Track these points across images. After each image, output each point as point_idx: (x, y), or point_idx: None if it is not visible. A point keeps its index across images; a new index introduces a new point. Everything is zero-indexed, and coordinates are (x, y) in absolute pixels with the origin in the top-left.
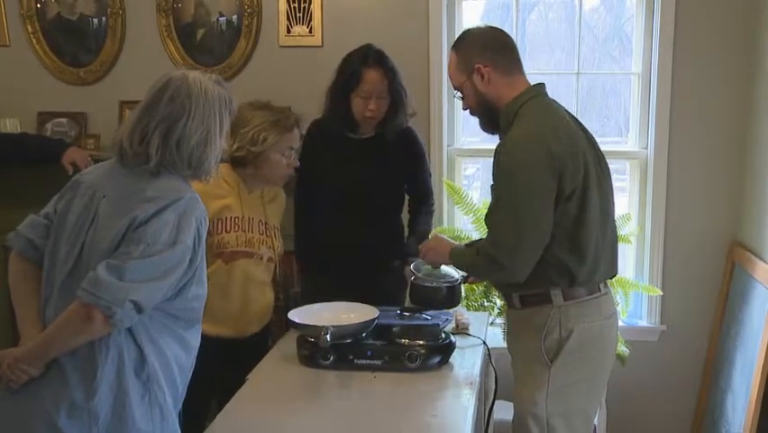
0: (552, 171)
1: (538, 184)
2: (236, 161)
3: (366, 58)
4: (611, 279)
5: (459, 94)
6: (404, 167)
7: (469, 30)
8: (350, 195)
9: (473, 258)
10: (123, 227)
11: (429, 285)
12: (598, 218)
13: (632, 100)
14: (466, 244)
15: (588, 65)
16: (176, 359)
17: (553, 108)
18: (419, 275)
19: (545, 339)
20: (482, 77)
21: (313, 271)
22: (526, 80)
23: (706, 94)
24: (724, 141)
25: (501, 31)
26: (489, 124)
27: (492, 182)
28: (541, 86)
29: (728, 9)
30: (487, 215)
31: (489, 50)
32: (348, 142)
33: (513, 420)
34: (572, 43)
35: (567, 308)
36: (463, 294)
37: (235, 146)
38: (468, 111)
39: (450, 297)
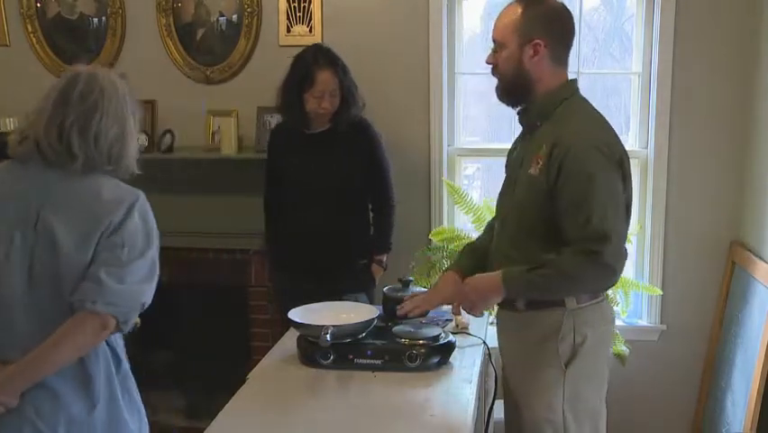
0: (620, 174)
1: (616, 185)
2: None
3: (317, 59)
4: None
5: (494, 46)
6: (359, 156)
7: None
8: (310, 189)
9: (550, 277)
10: (96, 234)
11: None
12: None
13: (632, 100)
14: (524, 270)
15: (588, 65)
16: None
17: (596, 110)
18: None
19: (561, 343)
20: (535, 53)
21: (281, 270)
22: (567, 73)
23: (706, 94)
24: (724, 141)
25: (572, 17)
26: (509, 94)
27: (543, 189)
28: (576, 82)
29: (728, 9)
30: (559, 223)
31: (555, 31)
32: (304, 137)
33: (522, 426)
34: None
35: (578, 312)
36: None
37: None
38: (492, 68)
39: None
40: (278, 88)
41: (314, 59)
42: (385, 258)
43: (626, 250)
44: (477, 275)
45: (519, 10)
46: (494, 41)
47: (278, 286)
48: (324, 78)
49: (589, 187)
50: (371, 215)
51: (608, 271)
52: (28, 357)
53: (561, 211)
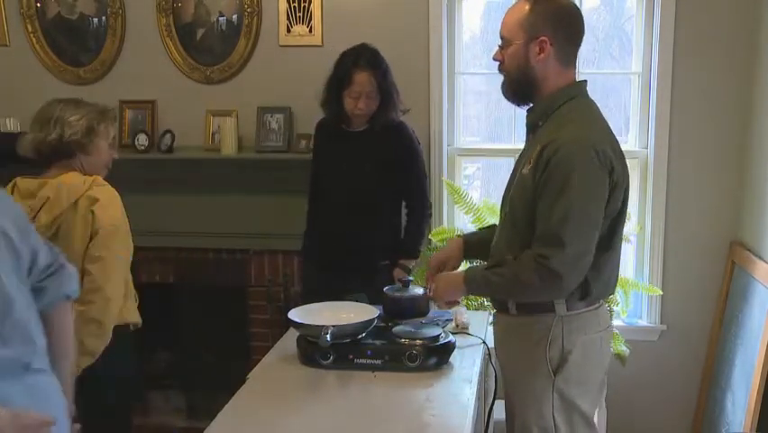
0: (606, 181)
1: (595, 192)
2: (61, 151)
3: (358, 59)
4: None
5: (500, 43)
6: (391, 158)
7: None
8: (338, 187)
9: (505, 279)
10: (31, 226)
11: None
12: (621, 236)
13: (632, 100)
14: (484, 267)
15: (588, 65)
16: None
17: (599, 113)
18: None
19: (549, 350)
20: (541, 50)
21: (309, 270)
22: (575, 74)
23: (706, 94)
24: (724, 141)
25: (582, 17)
26: (515, 93)
27: (531, 189)
28: (585, 84)
29: (728, 9)
30: (537, 222)
31: (562, 30)
32: (343, 135)
33: (515, 431)
34: None
35: (570, 318)
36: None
37: (70, 132)
38: (498, 65)
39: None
40: (324, 84)
41: (354, 60)
42: (411, 264)
43: (587, 266)
44: (447, 272)
45: (527, 6)
46: (501, 37)
47: (306, 285)
48: (362, 80)
49: (563, 187)
50: (405, 219)
51: (555, 278)
52: (68, 363)
53: (538, 211)
